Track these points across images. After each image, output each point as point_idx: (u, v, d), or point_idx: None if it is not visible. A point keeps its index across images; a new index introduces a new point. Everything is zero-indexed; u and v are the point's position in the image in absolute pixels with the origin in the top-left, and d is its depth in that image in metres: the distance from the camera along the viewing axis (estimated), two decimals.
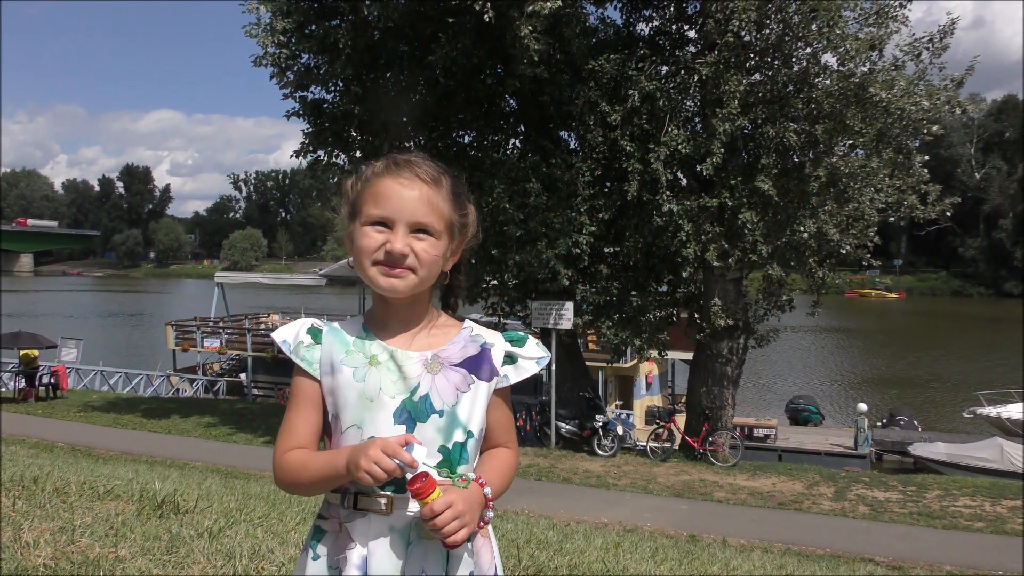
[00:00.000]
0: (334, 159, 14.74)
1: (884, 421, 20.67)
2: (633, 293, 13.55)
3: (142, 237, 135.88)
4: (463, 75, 12.91)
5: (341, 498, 1.33)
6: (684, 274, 13.33)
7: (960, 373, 32.85)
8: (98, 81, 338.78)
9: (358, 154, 14.86)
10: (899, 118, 11.86)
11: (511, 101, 14.76)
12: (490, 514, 1.35)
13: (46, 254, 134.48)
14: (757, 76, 12.73)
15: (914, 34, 12.53)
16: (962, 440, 17.83)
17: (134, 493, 4.04)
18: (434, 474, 1.25)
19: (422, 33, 12.78)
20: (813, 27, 11.57)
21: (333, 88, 14.06)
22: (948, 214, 13.99)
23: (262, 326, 26.55)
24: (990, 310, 65.88)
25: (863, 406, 18.18)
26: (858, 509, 10.53)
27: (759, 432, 18.71)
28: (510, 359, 1.43)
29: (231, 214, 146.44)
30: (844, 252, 13.24)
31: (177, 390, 23.53)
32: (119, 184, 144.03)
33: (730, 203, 12.27)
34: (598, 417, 14.21)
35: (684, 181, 13.56)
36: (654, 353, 15.21)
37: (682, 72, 12.95)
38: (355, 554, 1.29)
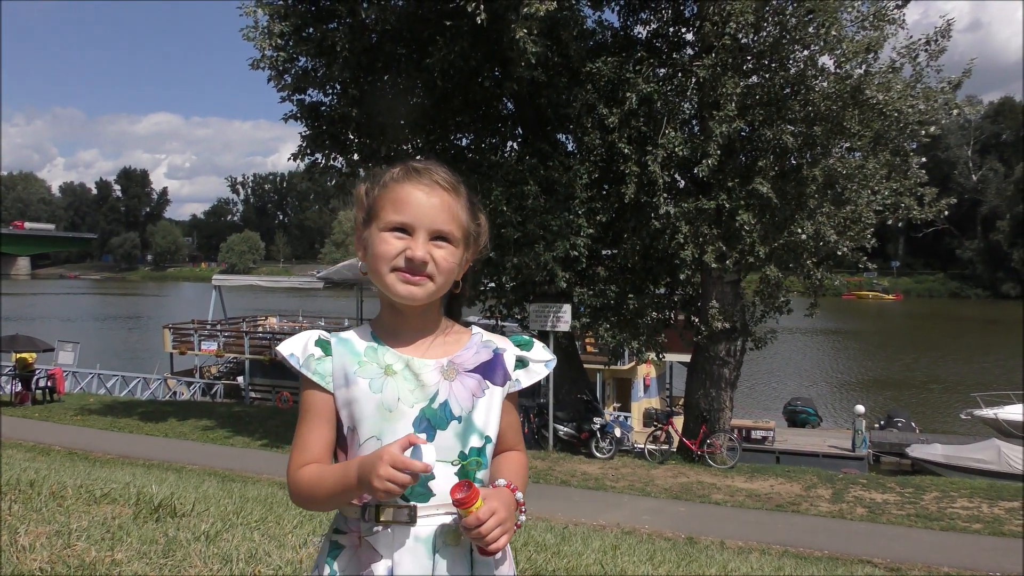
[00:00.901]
0: (332, 162, 14.76)
1: (882, 423, 20.66)
2: (631, 295, 13.56)
3: (139, 240, 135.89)
4: (461, 78, 12.90)
5: (362, 511, 1.29)
6: (682, 276, 13.38)
7: (957, 375, 32.88)
8: (96, 84, 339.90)
9: (356, 157, 14.87)
10: (896, 120, 11.90)
11: (509, 104, 14.76)
12: (522, 518, 1.33)
13: (43, 257, 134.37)
14: (754, 78, 12.75)
15: (911, 36, 12.60)
16: (960, 442, 17.81)
17: (131, 497, 4.03)
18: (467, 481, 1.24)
19: (419, 36, 12.78)
20: (810, 29, 11.60)
21: (331, 91, 14.04)
22: (945, 215, 14.02)
23: (259, 329, 26.52)
24: (987, 312, 65.94)
25: (861, 408, 18.22)
26: (856, 511, 10.52)
27: (757, 434, 18.74)
28: (521, 363, 1.43)
29: (229, 217, 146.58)
30: (841, 253, 13.29)
31: (174, 393, 23.47)
32: (116, 187, 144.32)
33: (728, 205, 12.28)
34: (596, 419, 14.21)
35: (682, 183, 13.59)
36: (652, 355, 15.22)
37: (679, 74, 12.94)
38: (381, 566, 1.26)
